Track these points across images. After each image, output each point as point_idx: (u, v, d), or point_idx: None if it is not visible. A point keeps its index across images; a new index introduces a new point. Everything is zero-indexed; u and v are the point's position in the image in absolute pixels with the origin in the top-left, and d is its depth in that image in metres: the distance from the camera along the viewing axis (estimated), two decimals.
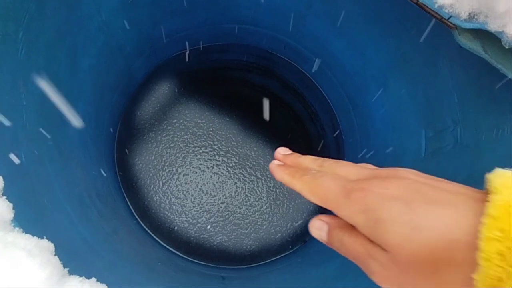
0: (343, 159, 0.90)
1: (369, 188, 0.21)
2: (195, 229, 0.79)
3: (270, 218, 0.82)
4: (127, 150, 0.81)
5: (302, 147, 0.91)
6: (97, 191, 0.60)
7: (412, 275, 0.18)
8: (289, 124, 0.93)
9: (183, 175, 0.82)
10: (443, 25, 0.36)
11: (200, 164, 0.83)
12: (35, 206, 0.39)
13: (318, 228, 0.24)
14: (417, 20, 0.49)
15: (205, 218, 0.80)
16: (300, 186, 0.26)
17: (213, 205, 0.81)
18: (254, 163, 0.85)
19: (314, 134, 0.93)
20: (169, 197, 0.80)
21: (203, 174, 0.82)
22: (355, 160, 0.74)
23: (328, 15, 0.71)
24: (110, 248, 0.51)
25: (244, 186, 0.82)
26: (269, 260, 0.81)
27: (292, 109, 0.94)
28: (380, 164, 0.26)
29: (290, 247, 0.82)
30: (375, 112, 0.72)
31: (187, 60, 0.90)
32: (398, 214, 0.19)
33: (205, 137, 0.84)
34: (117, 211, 0.67)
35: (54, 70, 0.50)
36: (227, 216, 0.81)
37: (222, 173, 0.83)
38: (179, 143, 0.83)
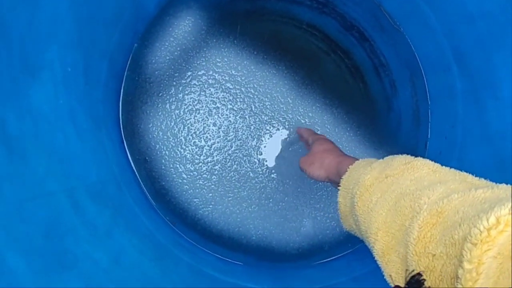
0: (425, 134, 0.65)
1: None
2: (228, 220, 0.58)
3: (325, 209, 0.60)
4: (137, 113, 0.57)
5: (361, 109, 0.65)
6: (89, 185, 0.37)
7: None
8: (344, 78, 0.66)
9: (215, 150, 0.58)
10: None
11: (237, 134, 0.59)
12: None
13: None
14: None
15: (243, 207, 0.58)
16: None
17: (252, 190, 0.58)
18: None
19: (378, 91, 0.66)
20: (196, 178, 0.58)
21: (241, 147, 0.59)
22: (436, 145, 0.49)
23: None
24: None
25: (294, 165, 0.59)
26: (321, 261, 0.61)
27: (349, 58, 0.66)
28: None
29: (349, 245, 0.61)
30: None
31: None
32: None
33: (242, 96, 0.59)
34: (123, 208, 0.45)
35: None
36: (271, 206, 0.59)
37: (265, 147, 0.59)
38: (208, 104, 0.58)
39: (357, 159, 0.39)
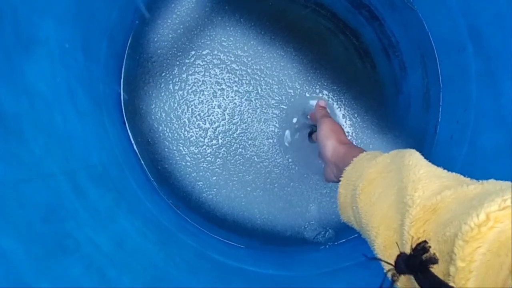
0: (436, 118, 0.63)
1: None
2: (233, 204, 0.57)
3: (331, 194, 0.59)
4: (138, 94, 0.55)
5: (369, 93, 0.62)
6: (90, 168, 0.36)
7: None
8: (353, 60, 0.63)
9: (219, 133, 0.56)
10: None
11: (242, 117, 0.57)
12: None
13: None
14: None
15: (248, 191, 0.57)
16: None
17: (258, 174, 0.57)
18: None
19: (387, 73, 0.63)
20: (199, 161, 0.56)
21: (246, 131, 0.57)
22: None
23: None
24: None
25: (300, 151, 0.57)
26: (325, 246, 0.60)
27: (358, 38, 0.64)
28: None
29: (355, 230, 0.60)
30: None
31: None
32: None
33: (248, 77, 0.57)
34: (125, 191, 0.44)
35: None
36: (276, 191, 0.57)
37: (271, 131, 0.57)
38: (213, 85, 0.56)
39: (364, 151, 0.38)
